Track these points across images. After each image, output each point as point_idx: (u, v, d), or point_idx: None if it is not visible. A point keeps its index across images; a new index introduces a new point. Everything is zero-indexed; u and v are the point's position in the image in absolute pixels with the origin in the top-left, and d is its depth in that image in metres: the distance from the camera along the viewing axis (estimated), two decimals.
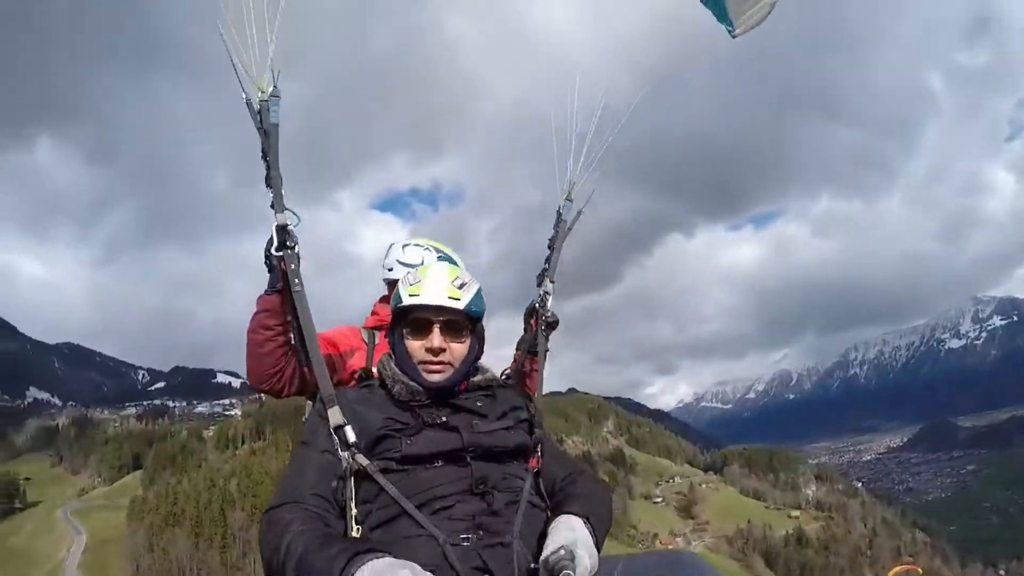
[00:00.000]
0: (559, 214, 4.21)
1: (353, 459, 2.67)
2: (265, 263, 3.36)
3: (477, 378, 3.01)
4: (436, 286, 2.90)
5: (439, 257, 4.21)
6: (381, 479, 2.62)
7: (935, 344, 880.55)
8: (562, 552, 2.37)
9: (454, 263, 4.01)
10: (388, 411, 2.81)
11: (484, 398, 2.95)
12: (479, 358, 3.05)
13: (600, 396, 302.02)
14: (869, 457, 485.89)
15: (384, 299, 4.32)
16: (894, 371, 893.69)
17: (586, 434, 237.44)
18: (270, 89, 3.33)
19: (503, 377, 3.34)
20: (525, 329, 4.05)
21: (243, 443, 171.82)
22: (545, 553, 2.40)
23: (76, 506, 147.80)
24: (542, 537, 2.58)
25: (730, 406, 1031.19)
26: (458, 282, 2.95)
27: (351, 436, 2.71)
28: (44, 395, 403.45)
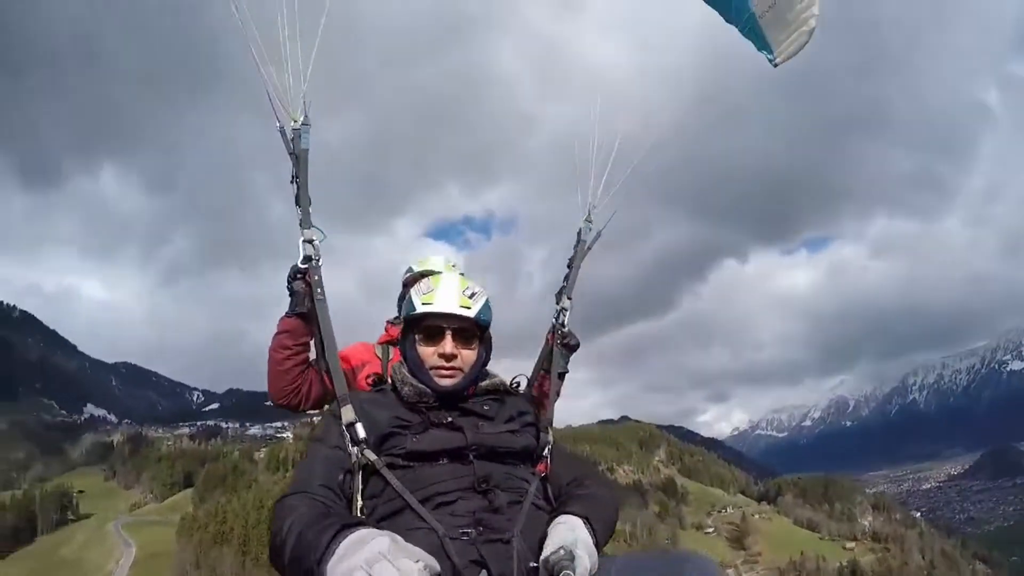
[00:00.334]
0: (579, 235, 4.35)
1: (362, 454, 2.80)
2: (287, 287, 3.68)
3: (485, 383, 3.14)
4: (448, 295, 3.09)
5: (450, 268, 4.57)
6: (387, 473, 2.75)
7: (997, 367, 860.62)
8: (562, 552, 2.40)
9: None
10: (398, 412, 2.96)
11: (491, 402, 3.09)
12: (486, 364, 3.21)
13: (652, 424, 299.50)
14: (929, 485, 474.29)
15: (394, 319, 4.64)
16: (955, 395, 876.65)
17: (637, 463, 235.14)
18: (301, 118, 3.67)
19: (513, 384, 3.40)
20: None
21: (293, 466, 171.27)
22: (545, 553, 2.44)
23: (127, 520, 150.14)
24: (546, 539, 2.62)
25: (785, 434, 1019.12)
26: (468, 292, 3.13)
27: (361, 432, 2.85)
28: (101, 412, 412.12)
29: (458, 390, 3.04)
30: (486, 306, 3.16)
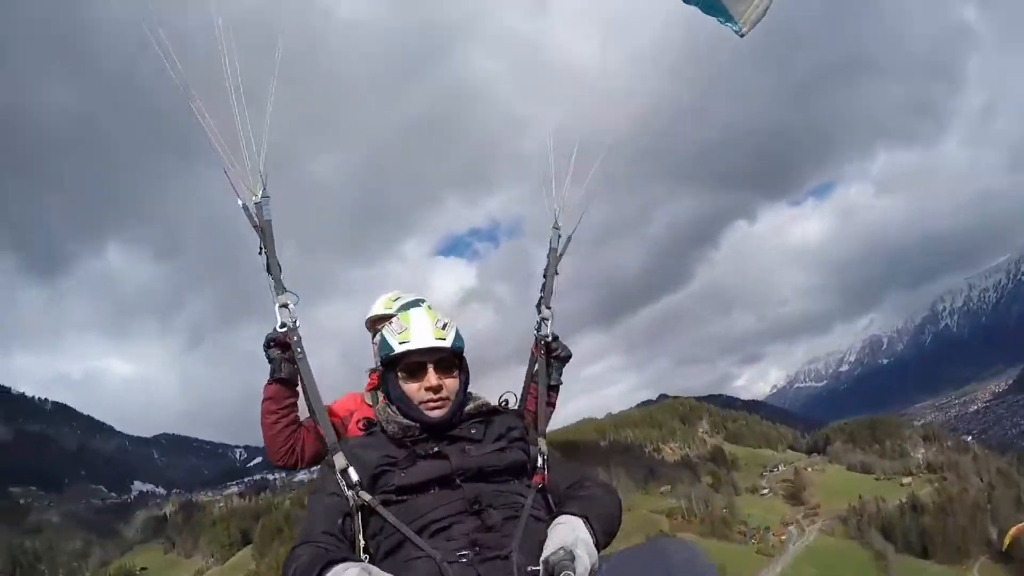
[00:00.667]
0: (550, 243, 4.34)
1: (357, 496, 2.93)
2: (265, 355, 3.84)
3: (469, 407, 3.25)
4: (422, 330, 3.17)
5: (410, 306, 4.57)
6: (382, 510, 2.87)
7: (1023, 278, 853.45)
8: (562, 552, 2.44)
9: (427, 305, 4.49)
10: (386, 450, 3.07)
11: (478, 424, 3.20)
12: (467, 387, 3.31)
13: (691, 398, 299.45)
14: (975, 407, 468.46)
15: (375, 368, 4.62)
16: (985, 314, 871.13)
17: (682, 438, 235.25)
18: (260, 192, 3.79)
19: (501, 402, 3.55)
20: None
21: None
22: (545, 553, 2.49)
23: None
24: None
25: (824, 383, 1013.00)
26: (440, 323, 3.22)
27: (354, 476, 2.98)
28: (148, 487, 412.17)
29: (449, 419, 3.14)
30: (458, 334, 3.26)
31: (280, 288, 3.72)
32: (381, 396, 4.14)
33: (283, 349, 3.77)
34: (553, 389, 4.06)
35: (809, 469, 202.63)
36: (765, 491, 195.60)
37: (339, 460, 3.08)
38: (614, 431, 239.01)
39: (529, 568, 2.61)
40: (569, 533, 2.58)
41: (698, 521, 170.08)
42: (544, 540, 2.71)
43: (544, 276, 4.25)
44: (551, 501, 3.14)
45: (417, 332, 3.17)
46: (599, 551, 2.64)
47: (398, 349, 3.17)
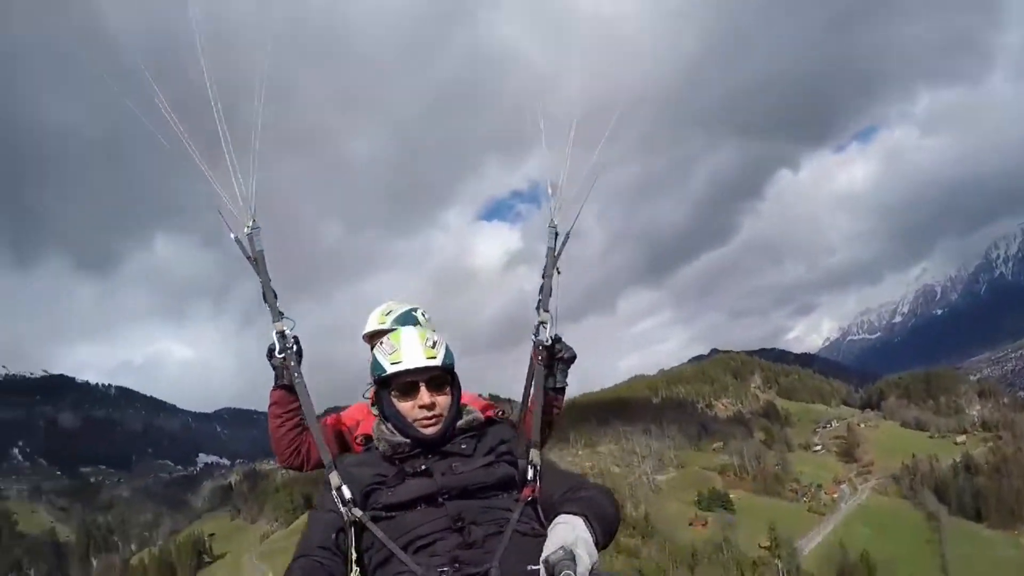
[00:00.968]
0: (548, 242, 4.19)
1: (350, 512, 3.05)
2: (269, 361, 4.00)
3: (461, 422, 3.31)
4: (413, 349, 3.25)
5: (403, 318, 4.76)
6: (372, 527, 2.99)
7: None
8: (561, 552, 2.44)
9: (417, 320, 4.73)
10: (378, 468, 3.19)
11: (469, 439, 3.27)
12: (459, 402, 3.39)
13: (743, 352, 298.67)
14: None
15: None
16: None
17: (734, 394, 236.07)
18: (251, 223, 3.92)
19: (499, 414, 3.75)
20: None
21: None
22: (545, 553, 2.49)
23: (261, 550, 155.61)
24: (536, 563, 2.74)
25: (878, 334, 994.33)
26: (430, 342, 3.30)
27: (347, 494, 3.09)
28: (213, 458, 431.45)
29: (442, 436, 3.23)
30: (448, 351, 3.36)
31: (276, 316, 3.88)
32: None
33: (276, 345, 3.95)
34: (559, 392, 4.04)
35: (862, 425, 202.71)
36: (818, 448, 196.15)
37: (334, 479, 3.20)
38: (666, 388, 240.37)
39: (529, 567, 2.65)
40: (569, 532, 2.59)
41: (750, 478, 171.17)
42: (533, 554, 2.78)
43: (543, 277, 4.10)
44: (542, 513, 3.17)
45: (408, 352, 3.25)
46: (599, 551, 2.66)
47: (390, 369, 3.25)
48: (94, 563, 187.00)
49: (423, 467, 3.13)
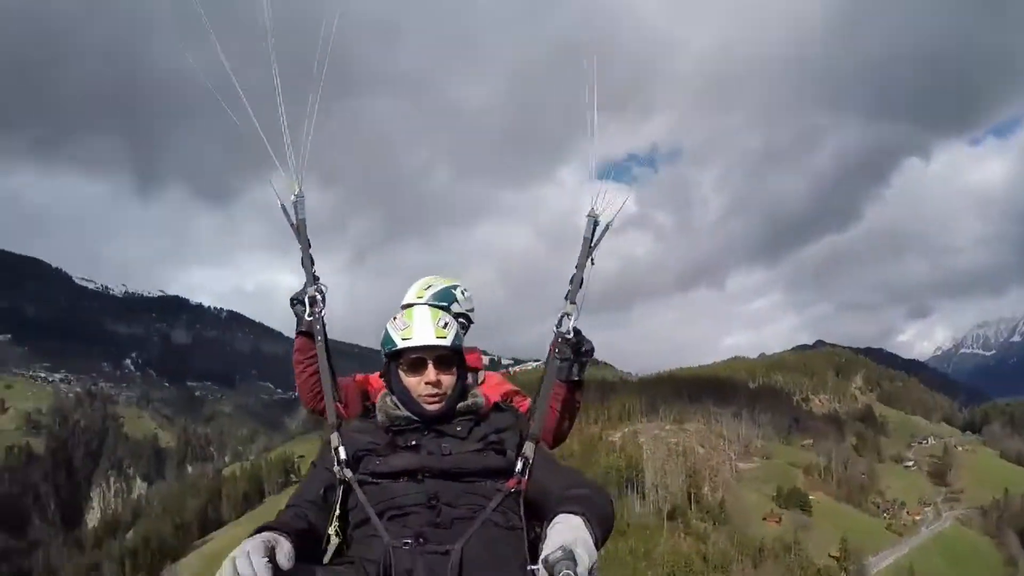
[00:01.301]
0: (584, 232, 4.06)
1: (342, 472, 3.17)
2: (292, 308, 4.12)
3: (463, 404, 3.36)
4: (424, 327, 3.33)
5: (442, 295, 4.68)
6: (357, 489, 3.10)
7: None
8: (561, 552, 2.39)
9: (455, 298, 4.72)
10: (375, 436, 3.28)
11: (466, 422, 3.31)
12: (464, 385, 3.46)
13: (848, 348, 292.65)
14: None
15: None
16: None
17: (833, 391, 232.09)
18: (297, 190, 4.05)
19: (508, 401, 3.88)
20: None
21: None
22: (545, 553, 2.43)
23: None
24: (504, 555, 2.89)
25: (993, 352, 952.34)
26: (441, 322, 3.38)
27: (342, 454, 3.21)
28: None
29: (445, 413, 3.30)
30: (458, 333, 3.44)
31: (311, 281, 4.00)
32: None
33: (306, 307, 4.04)
34: (576, 386, 4.03)
35: (960, 448, 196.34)
36: (910, 463, 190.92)
37: (334, 439, 3.34)
38: (764, 373, 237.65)
39: (529, 567, 2.65)
40: (569, 532, 2.55)
41: (834, 483, 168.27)
42: (503, 545, 2.92)
43: (576, 267, 3.99)
44: (527, 505, 3.19)
45: (418, 329, 3.34)
46: (597, 551, 2.60)
47: (400, 344, 3.33)
48: (189, 469, 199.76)
49: (413, 442, 3.23)
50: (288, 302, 4.14)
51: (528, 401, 4.17)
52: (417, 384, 3.30)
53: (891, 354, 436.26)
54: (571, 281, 3.94)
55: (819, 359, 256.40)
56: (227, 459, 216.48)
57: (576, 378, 3.93)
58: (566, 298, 3.90)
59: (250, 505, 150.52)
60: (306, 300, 3.98)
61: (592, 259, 3.98)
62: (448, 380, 3.32)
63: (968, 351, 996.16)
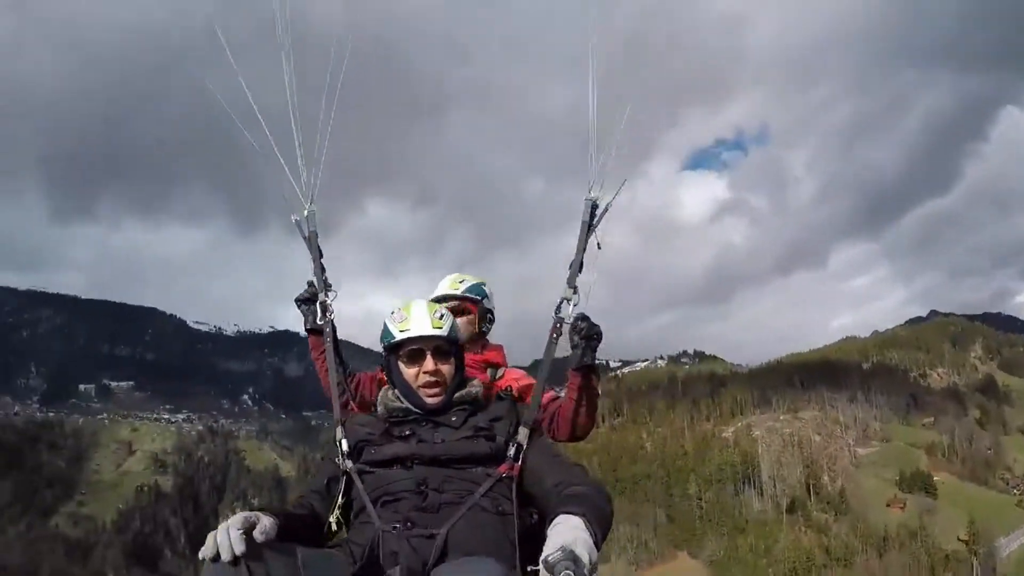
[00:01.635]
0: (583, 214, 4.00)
1: (343, 463, 3.35)
2: (298, 308, 4.38)
3: (457, 395, 3.47)
4: (421, 319, 3.45)
5: (474, 288, 4.76)
6: (356, 478, 3.25)
7: None
8: (561, 552, 2.38)
9: (485, 294, 4.79)
10: (374, 428, 3.42)
11: (461, 412, 3.41)
12: (462, 377, 3.57)
13: (963, 316, 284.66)
14: None
15: None
16: None
17: (951, 363, 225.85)
18: (307, 206, 4.26)
19: (506, 390, 3.88)
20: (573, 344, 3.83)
21: (603, 421, 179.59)
22: (545, 553, 2.42)
23: None
24: (491, 539, 2.96)
25: None
26: (438, 314, 3.51)
27: (345, 447, 3.39)
28: None
29: (444, 403, 3.41)
30: (455, 325, 3.56)
31: (322, 288, 4.23)
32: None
33: (308, 304, 4.32)
34: (587, 371, 3.89)
35: None
36: None
37: (339, 432, 3.47)
38: (877, 352, 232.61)
39: (529, 568, 2.63)
40: (569, 532, 2.51)
41: (959, 461, 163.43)
42: (494, 533, 2.99)
43: (576, 251, 3.94)
44: (522, 492, 3.22)
45: (416, 321, 3.43)
46: (598, 550, 2.56)
47: (398, 336, 3.42)
48: None
49: (408, 432, 3.32)
50: (295, 303, 4.43)
51: (551, 394, 4.20)
52: (416, 375, 3.40)
53: (1010, 317, 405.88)
54: (570, 266, 3.93)
55: (933, 331, 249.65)
56: None
57: (588, 364, 3.85)
58: (568, 284, 3.90)
59: None
60: (318, 307, 4.23)
61: (599, 243, 3.96)
62: (447, 370, 3.44)
63: None
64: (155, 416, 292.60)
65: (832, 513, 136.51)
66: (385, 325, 3.53)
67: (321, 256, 4.33)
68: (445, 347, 3.45)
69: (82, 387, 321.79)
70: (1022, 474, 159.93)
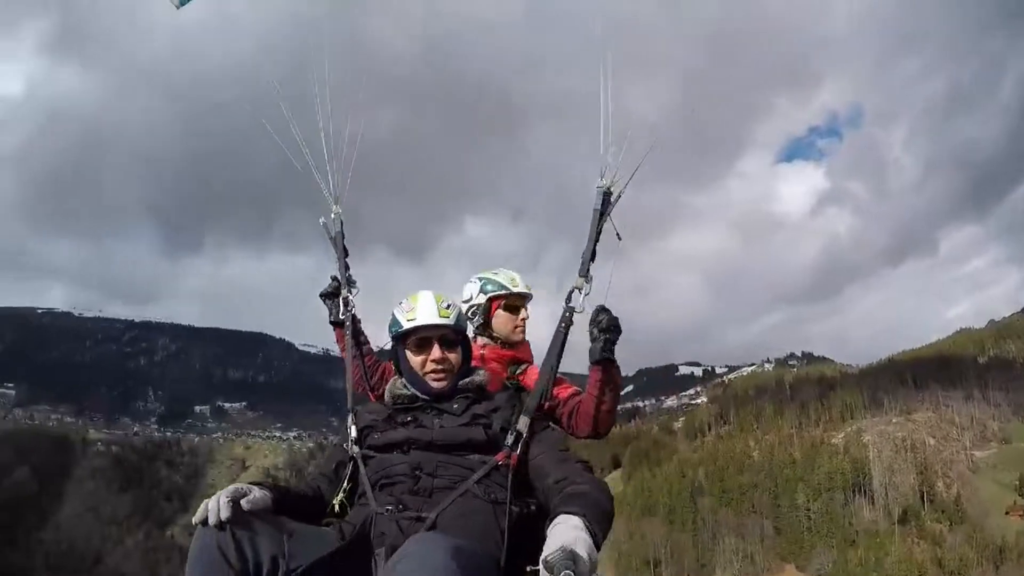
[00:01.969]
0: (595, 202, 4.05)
1: (350, 448, 3.45)
2: (323, 302, 4.68)
3: (461, 383, 3.57)
4: (428, 308, 3.53)
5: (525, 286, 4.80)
6: (360, 463, 3.34)
7: None
8: (561, 552, 2.37)
9: (529, 296, 4.89)
10: (379, 414, 3.54)
11: (462, 400, 3.49)
12: (468, 366, 3.68)
13: None
14: None
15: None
16: None
17: None
18: (336, 208, 4.64)
19: (512, 381, 4.18)
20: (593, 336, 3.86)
21: (709, 430, 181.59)
22: (545, 553, 2.41)
23: None
24: (480, 526, 2.99)
25: None
26: (444, 304, 3.57)
27: (353, 433, 3.48)
28: None
29: (450, 390, 3.51)
30: (461, 315, 3.65)
31: (346, 286, 4.54)
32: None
33: (332, 298, 4.64)
34: (609, 365, 3.91)
35: None
36: None
37: (349, 419, 3.58)
38: (994, 344, 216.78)
39: (529, 568, 2.73)
40: (569, 532, 2.52)
41: None
42: (484, 518, 3.02)
43: (588, 241, 3.98)
44: (522, 481, 3.26)
45: (423, 310, 3.52)
46: (598, 550, 2.57)
47: (406, 325, 3.52)
48: None
49: (410, 418, 3.43)
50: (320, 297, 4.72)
51: (572, 389, 4.28)
52: (423, 363, 3.50)
53: None
54: (583, 255, 3.97)
55: None
56: None
57: (607, 356, 3.89)
58: (580, 273, 3.97)
59: None
60: (340, 302, 4.56)
61: (618, 234, 4.02)
62: (454, 358, 3.54)
63: None
64: (267, 434, 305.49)
65: (947, 523, 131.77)
66: (394, 315, 3.65)
67: (347, 255, 4.67)
68: (452, 336, 3.57)
69: (197, 408, 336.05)
70: None
